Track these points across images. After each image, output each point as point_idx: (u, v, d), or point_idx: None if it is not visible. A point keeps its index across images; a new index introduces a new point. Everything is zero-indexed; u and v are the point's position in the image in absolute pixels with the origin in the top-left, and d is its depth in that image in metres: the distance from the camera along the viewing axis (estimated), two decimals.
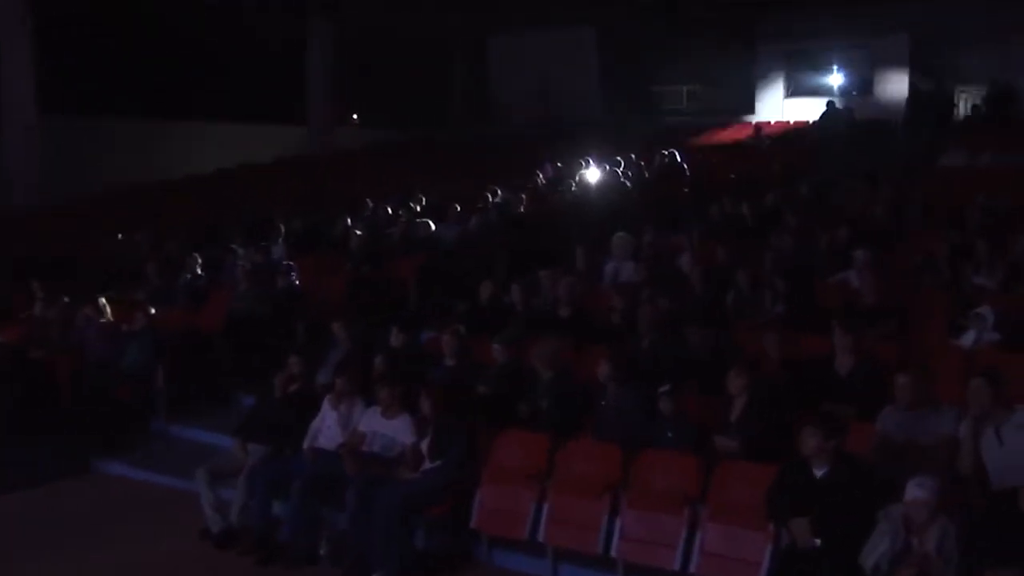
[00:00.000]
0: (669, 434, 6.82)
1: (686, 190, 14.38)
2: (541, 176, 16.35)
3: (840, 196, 13.36)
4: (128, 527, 7.77)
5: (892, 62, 23.00)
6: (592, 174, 15.27)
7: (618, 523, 6.43)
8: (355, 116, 28.28)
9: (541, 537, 6.69)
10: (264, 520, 7.21)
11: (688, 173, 15.46)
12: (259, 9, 21.73)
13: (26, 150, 17.72)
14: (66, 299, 10.64)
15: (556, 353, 7.68)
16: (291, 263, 11.56)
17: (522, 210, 13.71)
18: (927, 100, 20.24)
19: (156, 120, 20.25)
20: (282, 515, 7.23)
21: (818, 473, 5.65)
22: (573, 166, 16.33)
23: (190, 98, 20.89)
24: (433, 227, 12.51)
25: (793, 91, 24.03)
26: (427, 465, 7.05)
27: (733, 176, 15.30)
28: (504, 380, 7.76)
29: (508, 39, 26.75)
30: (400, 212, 14.15)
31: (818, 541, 5.46)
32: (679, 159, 16.07)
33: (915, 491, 5.19)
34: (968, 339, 7.84)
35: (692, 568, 6.13)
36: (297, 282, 11.14)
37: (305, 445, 7.50)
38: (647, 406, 7.00)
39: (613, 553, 6.41)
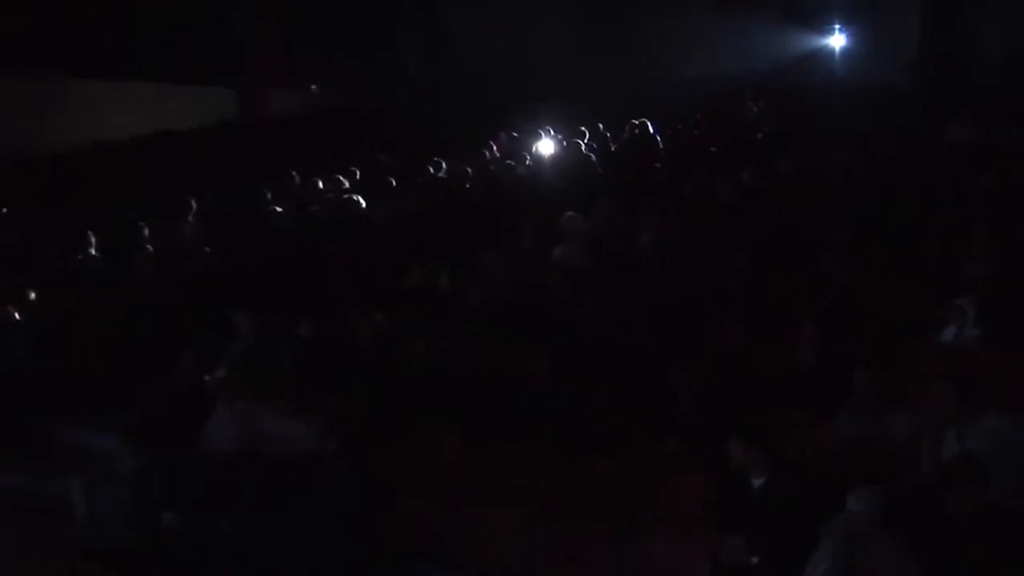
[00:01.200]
0: (609, 435, 6.97)
1: (658, 165, 14.47)
2: (495, 148, 16.40)
3: (830, 173, 13.47)
4: (3, 543, 7.79)
5: (902, 18, 23.15)
6: (545, 146, 15.35)
7: (544, 536, 6.56)
8: (294, 76, 28.14)
9: (461, 551, 6.81)
10: (152, 533, 7.25)
11: (662, 146, 15.54)
12: None
13: None
14: None
15: (488, 346, 7.80)
16: (203, 244, 11.59)
17: (468, 186, 13.78)
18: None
19: (55, 77, 20.01)
20: (173, 527, 7.28)
21: (755, 484, 5.80)
22: (532, 137, 16.39)
23: (98, 51, 20.59)
24: (364, 204, 12.56)
25: (788, 52, 24.17)
26: (337, 471, 7.12)
27: (714, 149, 15.38)
28: (430, 375, 7.87)
29: None
30: (328, 186, 14.18)
31: (755, 559, 5.61)
32: (651, 130, 16.12)
33: (856, 504, 5.33)
34: (947, 334, 7.99)
35: None
36: (209, 265, 11.17)
37: (199, 448, 7.57)
38: (586, 404, 7.15)
39: (538, 569, 6.55)
